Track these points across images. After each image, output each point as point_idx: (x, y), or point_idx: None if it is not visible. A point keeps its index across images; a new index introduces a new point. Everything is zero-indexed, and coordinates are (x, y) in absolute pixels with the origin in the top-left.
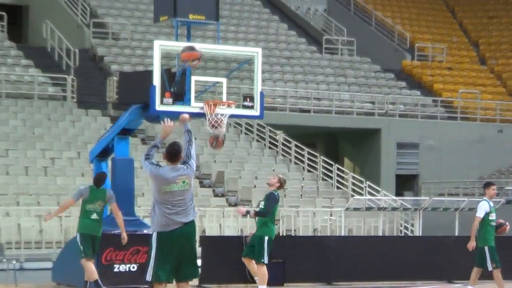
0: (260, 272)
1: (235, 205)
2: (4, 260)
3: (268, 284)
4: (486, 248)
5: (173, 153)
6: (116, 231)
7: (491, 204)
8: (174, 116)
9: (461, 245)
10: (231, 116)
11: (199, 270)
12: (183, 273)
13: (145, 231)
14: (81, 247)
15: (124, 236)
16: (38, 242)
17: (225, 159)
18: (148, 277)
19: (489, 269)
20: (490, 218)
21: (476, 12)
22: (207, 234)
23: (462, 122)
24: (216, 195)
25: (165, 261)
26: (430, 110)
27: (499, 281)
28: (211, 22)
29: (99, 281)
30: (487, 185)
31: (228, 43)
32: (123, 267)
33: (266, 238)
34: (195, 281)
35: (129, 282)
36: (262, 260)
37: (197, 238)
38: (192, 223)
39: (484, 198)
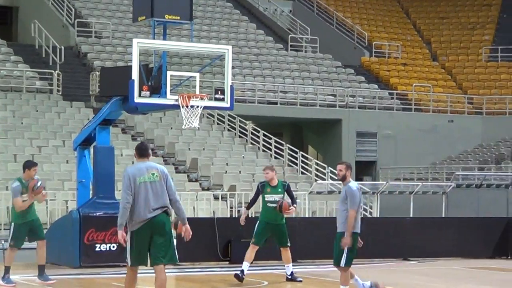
0: (289, 254)
1: (208, 189)
2: None
3: (237, 262)
4: None
5: (142, 148)
6: (97, 213)
7: None
8: (152, 107)
9: (416, 225)
10: (204, 107)
11: (175, 256)
12: (156, 258)
13: None
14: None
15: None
16: None
17: (199, 147)
18: (128, 262)
19: None
20: None
21: (428, 13)
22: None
23: (416, 113)
24: (190, 180)
25: (140, 247)
26: (386, 102)
27: None
28: (185, 22)
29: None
30: None
31: (201, 41)
32: (104, 247)
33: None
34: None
35: (109, 260)
36: (289, 244)
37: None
38: (161, 215)
39: None
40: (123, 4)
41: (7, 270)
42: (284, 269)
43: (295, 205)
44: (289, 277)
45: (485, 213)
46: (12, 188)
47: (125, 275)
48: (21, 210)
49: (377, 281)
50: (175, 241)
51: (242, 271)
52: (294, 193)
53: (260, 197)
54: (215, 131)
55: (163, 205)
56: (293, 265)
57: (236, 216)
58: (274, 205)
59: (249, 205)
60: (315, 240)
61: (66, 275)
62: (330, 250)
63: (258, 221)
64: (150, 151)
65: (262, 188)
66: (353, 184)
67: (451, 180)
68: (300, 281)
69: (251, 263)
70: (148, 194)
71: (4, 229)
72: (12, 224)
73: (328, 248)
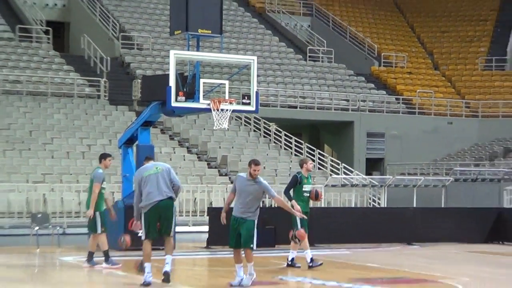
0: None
1: None
2: (50, 226)
3: (262, 246)
4: None
5: (146, 158)
6: None
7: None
8: (187, 111)
9: (418, 214)
10: (233, 111)
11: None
12: (165, 232)
13: None
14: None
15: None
16: (77, 212)
17: (228, 145)
18: (143, 236)
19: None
20: None
21: (431, 27)
22: (213, 206)
23: (419, 116)
24: (220, 175)
25: (151, 225)
26: (393, 106)
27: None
28: (216, 36)
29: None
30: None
31: (230, 52)
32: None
33: None
34: (203, 243)
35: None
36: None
37: (205, 209)
38: (166, 200)
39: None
40: (162, 19)
41: (106, 253)
42: (304, 253)
43: None
44: (310, 264)
45: (480, 204)
46: (98, 174)
47: (160, 257)
48: (99, 199)
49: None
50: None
51: (293, 259)
52: (312, 186)
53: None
54: (242, 131)
55: (168, 191)
56: (311, 248)
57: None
58: (308, 194)
59: (286, 192)
60: (330, 227)
61: (114, 257)
62: (344, 236)
63: (293, 207)
64: (154, 156)
65: (301, 180)
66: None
67: (450, 174)
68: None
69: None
70: (153, 182)
71: (59, 217)
72: (97, 213)
73: (341, 234)
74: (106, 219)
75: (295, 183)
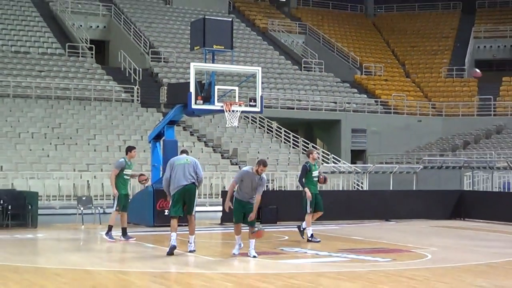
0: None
1: None
2: (92, 207)
3: (266, 223)
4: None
5: (184, 150)
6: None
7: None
8: (204, 112)
9: (394, 196)
10: (242, 112)
11: (194, 210)
12: (189, 211)
13: None
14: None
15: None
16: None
17: (238, 140)
18: (169, 213)
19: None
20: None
21: (403, 43)
22: (226, 189)
23: (394, 115)
24: (232, 164)
25: (178, 204)
26: (373, 107)
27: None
28: (228, 50)
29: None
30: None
31: (239, 64)
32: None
33: None
34: (218, 220)
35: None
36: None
37: (220, 192)
38: (190, 184)
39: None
40: (184, 37)
41: (110, 228)
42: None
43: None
44: (310, 238)
45: (444, 187)
46: (118, 162)
47: (186, 231)
48: (120, 184)
49: None
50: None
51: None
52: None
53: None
54: (249, 128)
55: (192, 178)
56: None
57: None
58: (317, 179)
59: (300, 180)
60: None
61: (144, 232)
62: (333, 214)
63: (305, 194)
64: (187, 151)
65: (310, 167)
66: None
67: (420, 163)
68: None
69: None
70: (182, 170)
71: (100, 199)
72: (116, 193)
73: (331, 212)
74: (125, 201)
75: (306, 171)
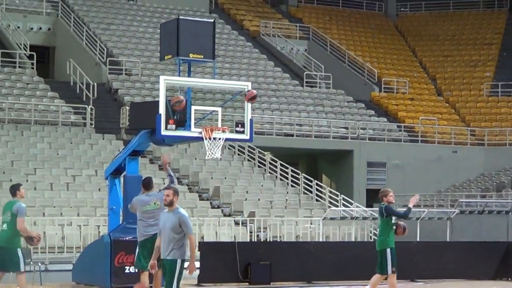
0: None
1: (229, 215)
2: (31, 262)
3: (256, 283)
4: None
5: (146, 183)
6: (126, 238)
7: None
8: (177, 139)
9: (422, 249)
10: (226, 139)
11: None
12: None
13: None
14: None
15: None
16: (61, 247)
17: (221, 176)
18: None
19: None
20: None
21: (433, 52)
22: (205, 240)
23: (422, 144)
24: (213, 207)
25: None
26: (395, 134)
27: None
28: (208, 60)
29: None
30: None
31: (223, 78)
32: (132, 269)
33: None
34: (194, 281)
35: (138, 281)
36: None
37: (196, 243)
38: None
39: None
40: (151, 44)
41: None
42: None
43: None
44: None
45: (487, 238)
46: (22, 208)
47: None
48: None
49: None
50: None
51: None
52: (309, 218)
53: (381, 220)
54: (236, 161)
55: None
56: (308, 286)
57: (255, 240)
58: (395, 227)
59: (396, 213)
60: (329, 262)
61: None
62: (343, 272)
63: (389, 248)
64: (153, 184)
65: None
66: (183, 211)
67: (455, 206)
68: None
69: None
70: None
71: (41, 252)
72: (18, 249)
73: (340, 269)
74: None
75: (391, 210)
